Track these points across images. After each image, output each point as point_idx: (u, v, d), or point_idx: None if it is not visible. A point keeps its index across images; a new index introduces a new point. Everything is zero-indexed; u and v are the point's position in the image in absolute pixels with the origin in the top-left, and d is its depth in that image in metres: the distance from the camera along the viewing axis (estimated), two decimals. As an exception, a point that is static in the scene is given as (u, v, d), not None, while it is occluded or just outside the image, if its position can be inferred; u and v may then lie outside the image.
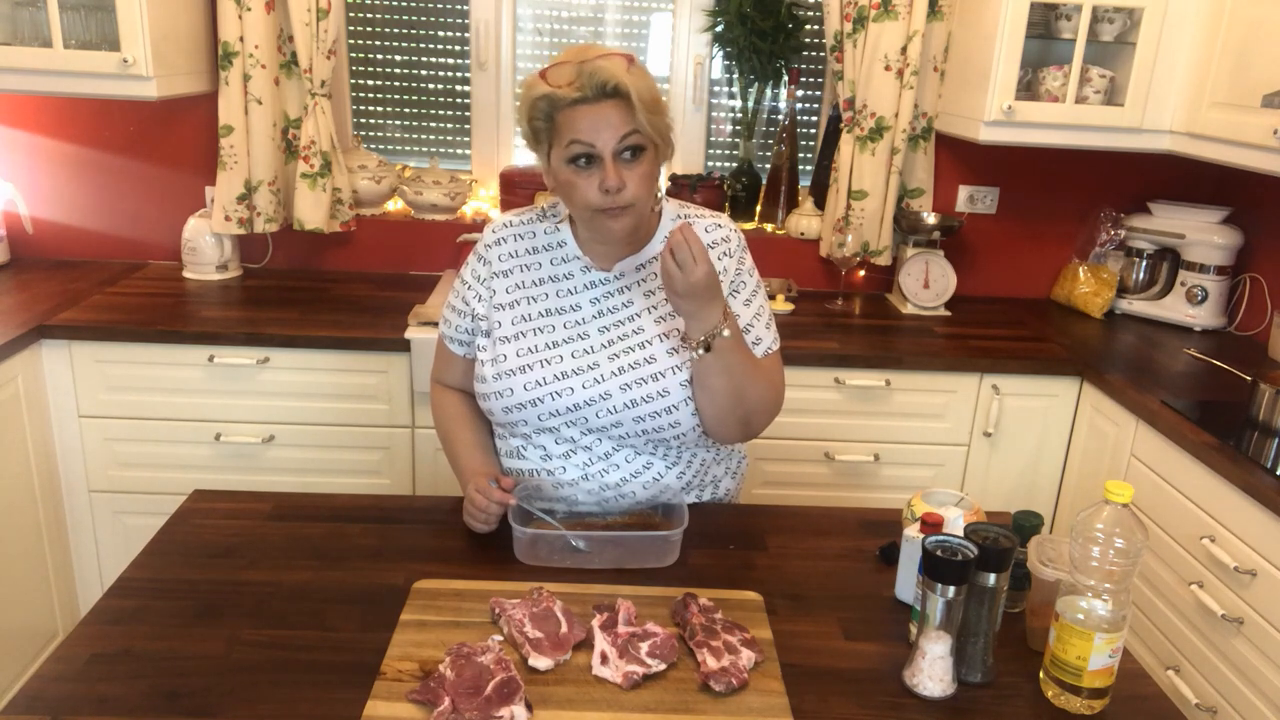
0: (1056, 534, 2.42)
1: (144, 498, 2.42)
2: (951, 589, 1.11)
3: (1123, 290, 2.83)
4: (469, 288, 1.53)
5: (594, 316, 1.48)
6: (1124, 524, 1.09)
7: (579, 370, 1.45)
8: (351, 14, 2.83)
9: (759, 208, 2.94)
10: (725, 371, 1.39)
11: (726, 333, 1.35)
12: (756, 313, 1.51)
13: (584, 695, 1.11)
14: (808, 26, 2.84)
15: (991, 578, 1.14)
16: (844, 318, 2.71)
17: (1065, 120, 2.49)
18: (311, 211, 2.69)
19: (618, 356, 1.45)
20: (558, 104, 1.32)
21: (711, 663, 1.14)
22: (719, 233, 1.51)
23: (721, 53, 2.85)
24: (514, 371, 1.45)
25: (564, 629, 1.19)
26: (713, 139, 2.98)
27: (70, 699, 1.08)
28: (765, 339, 1.52)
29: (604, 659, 1.15)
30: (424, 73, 2.90)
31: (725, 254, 1.50)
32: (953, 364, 2.41)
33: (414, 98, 2.92)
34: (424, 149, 2.98)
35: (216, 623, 1.22)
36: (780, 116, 2.91)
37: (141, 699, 1.09)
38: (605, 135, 1.32)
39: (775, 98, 2.94)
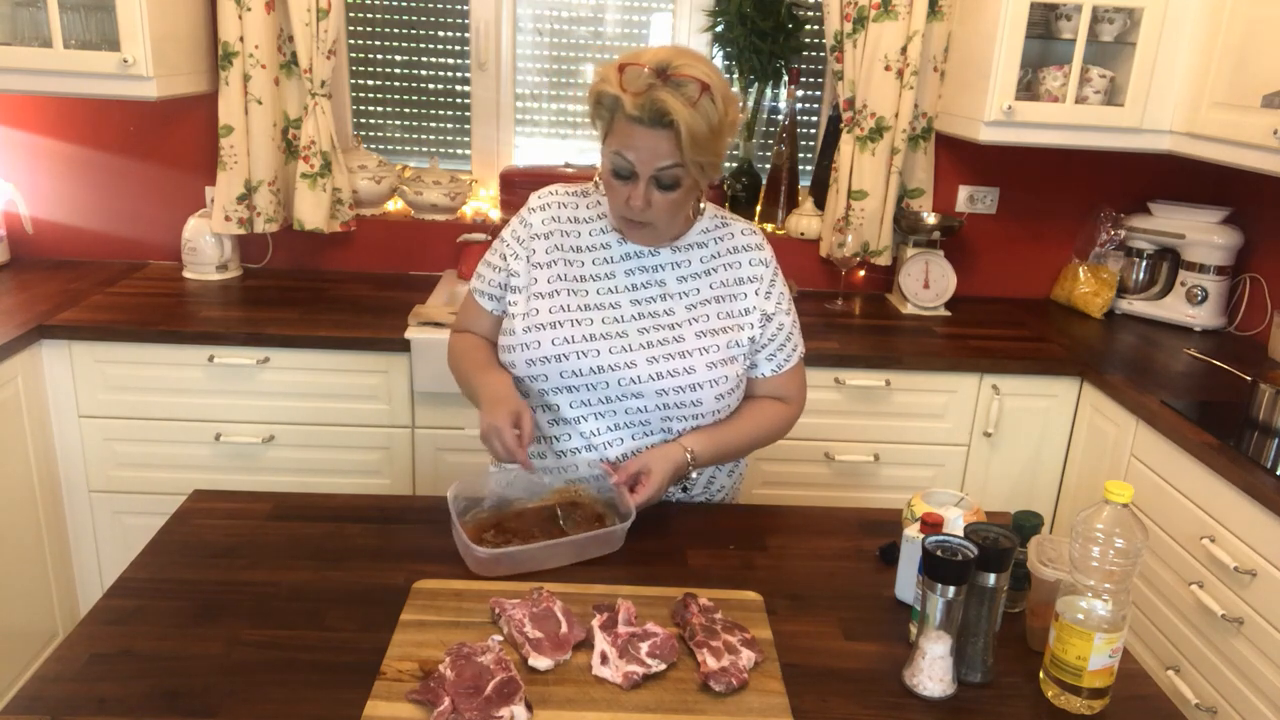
0: (1056, 534, 2.42)
1: (144, 498, 2.42)
2: (951, 589, 1.11)
3: (1123, 290, 2.83)
4: (507, 245, 1.57)
5: (628, 289, 1.52)
6: (1124, 524, 1.09)
7: (607, 335, 1.48)
8: (351, 14, 2.83)
9: (759, 208, 2.94)
10: (726, 457, 1.57)
11: (695, 475, 1.54)
12: (794, 321, 1.59)
13: (584, 695, 1.11)
14: (808, 26, 2.84)
15: (991, 578, 1.14)
16: (844, 318, 2.71)
17: (1065, 120, 2.49)
18: (311, 211, 2.69)
19: (647, 331, 1.49)
20: (618, 109, 1.36)
21: (711, 663, 1.14)
22: (755, 238, 1.57)
23: (721, 53, 2.85)
24: (544, 326, 1.48)
25: (564, 629, 1.19)
26: (713, 139, 2.98)
27: (70, 699, 1.08)
28: (798, 347, 1.61)
29: (604, 659, 1.15)
30: (424, 73, 2.90)
31: (763, 262, 1.55)
32: (953, 364, 2.41)
33: (414, 98, 2.92)
34: (424, 149, 2.98)
35: (216, 623, 1.22)
36: (780, 116, 2.91)
37: (141, 699, 1.09)
38: (647, 160, 1.37)
39: (775, 98, 2.94)
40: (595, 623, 1.21)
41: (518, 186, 2.68)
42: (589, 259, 1.53)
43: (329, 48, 2.57)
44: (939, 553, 1.12)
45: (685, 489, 1.59)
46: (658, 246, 1.53)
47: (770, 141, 2.96)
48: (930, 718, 1.12)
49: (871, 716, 1.12)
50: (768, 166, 2.94)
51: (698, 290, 1.52)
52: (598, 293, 1.51)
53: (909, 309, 2.76)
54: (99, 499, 2.43)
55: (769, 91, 2.92)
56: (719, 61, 2.88)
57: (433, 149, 2.97)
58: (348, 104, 2.90)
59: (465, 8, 2.82)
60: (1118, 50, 2.54)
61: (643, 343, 1.48)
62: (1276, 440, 1.94)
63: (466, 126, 2.94)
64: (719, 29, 2.80)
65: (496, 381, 1.49)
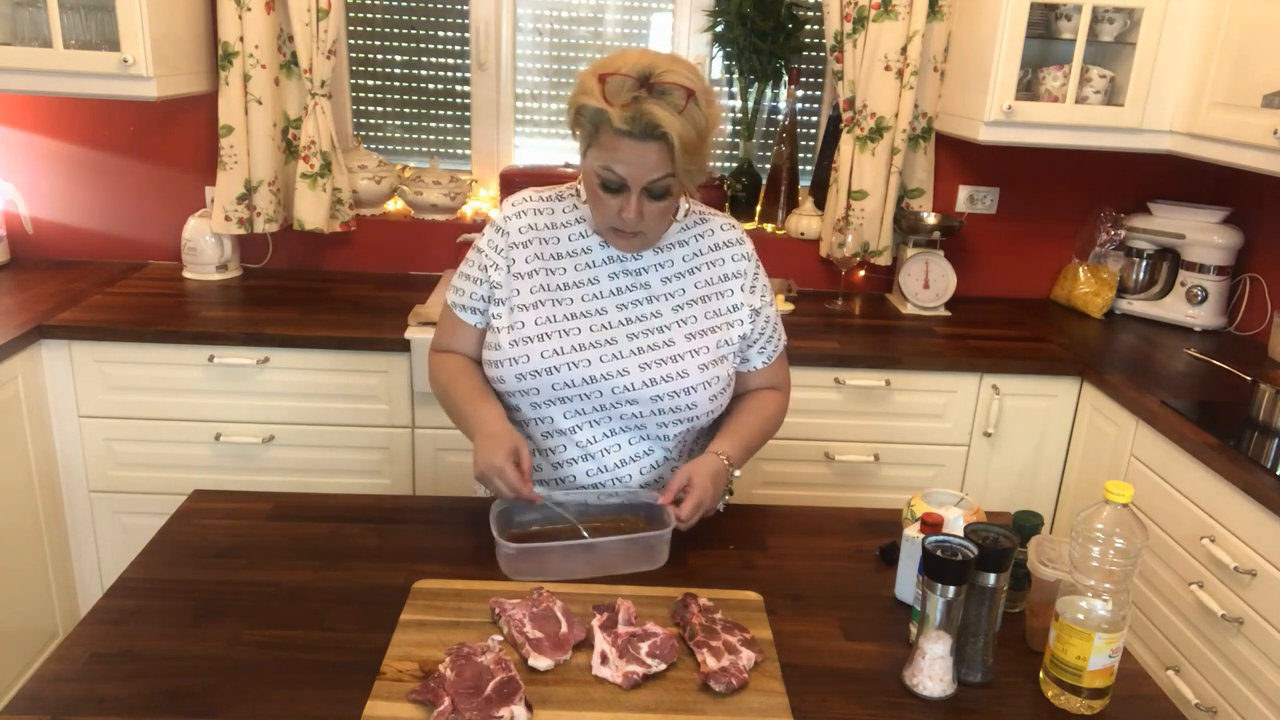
0: (1056, 534, 2.42)
1: (144, 498, 2.42)
2: (951, 589, 1.11)
3: (1123, 290, 2.83)
4: (485, 255, 1.52)
5: (612, 293, 1.49)
6: (1124, 524, 1.09)
7: (597, 344, 1.46)
8: (351, 14, 2.83)
9: (759, 208, 2.94)
10: (751, 452, 1.54)
11: (737, 473, 1.48)
12: (776, 310, 1.58)
13: (584, 695, 1.11)
14: (808, 26, 2.84)
15: (991, 578, 1.14)
16: (844, 318, 2.71)
17: (1065, 120, 2.49)
18: (311, 211, 2.69)
19: (636, 337, 1.47)
20: (604, 121, 1.32)
21: (711, 663, 1.14)
22: (734, 233, 1.55)
23: (721, 53, 2.85)
24: (531, 339, 1.45)
25: (564, 629, 1.19)
26: (713, 139, 2.98)
27: (70, 699, 1.08)
28: (783, 335, 1.61)
29: (604, 659, 1.15)
30: (424, 73, 2.90)
31: (744, 256, 1.54)
32: (953, 364, 2.41)
33: (414, 98, 2.92)
34: (424, 149, 2.98)
35: (216, 623, 1.22)
36: (780, 116, 2.91)
37: (141, 699, 1.09)
38: (639, 174, 1.34)
39: (775, 98, 2.94)
40: (595, 623, 1.21)
41: (518, 186, 2.64)
42: (570, 265, 1.50)
43: (329, 48, 2.57)
44: (939, 553, 1.12)
45: (730, 492, 1.56)
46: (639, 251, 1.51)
47: (770, 141, 2.96)
48: (930, 718, 1.12)
49: (871, 716, 1.12)
50: (768, 166, 2.94)
51: (683, 290, 1.50)
52: (582, 299, 1.48)
53: (909, 309, 2.76)
54: (99, 499, 2.43)
55: (769, 91, 2.92)
56: (719, 61, 2.88)
57: (433, 149, 2.97)
58: (348, 104, 2.90)
59: (465, 8, 2.82)
60: (1118, 50, 2.54)
61: (633, 348, 1.46)
62: (1276, 440, 1.94)
63: (466, 126, 2.94)
64: (719, 29, 2.80)
65: (489, 416, 1.43)
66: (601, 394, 1.46)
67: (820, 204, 2.86)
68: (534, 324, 1.46)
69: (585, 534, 1.38)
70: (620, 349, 1.46)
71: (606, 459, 1.50)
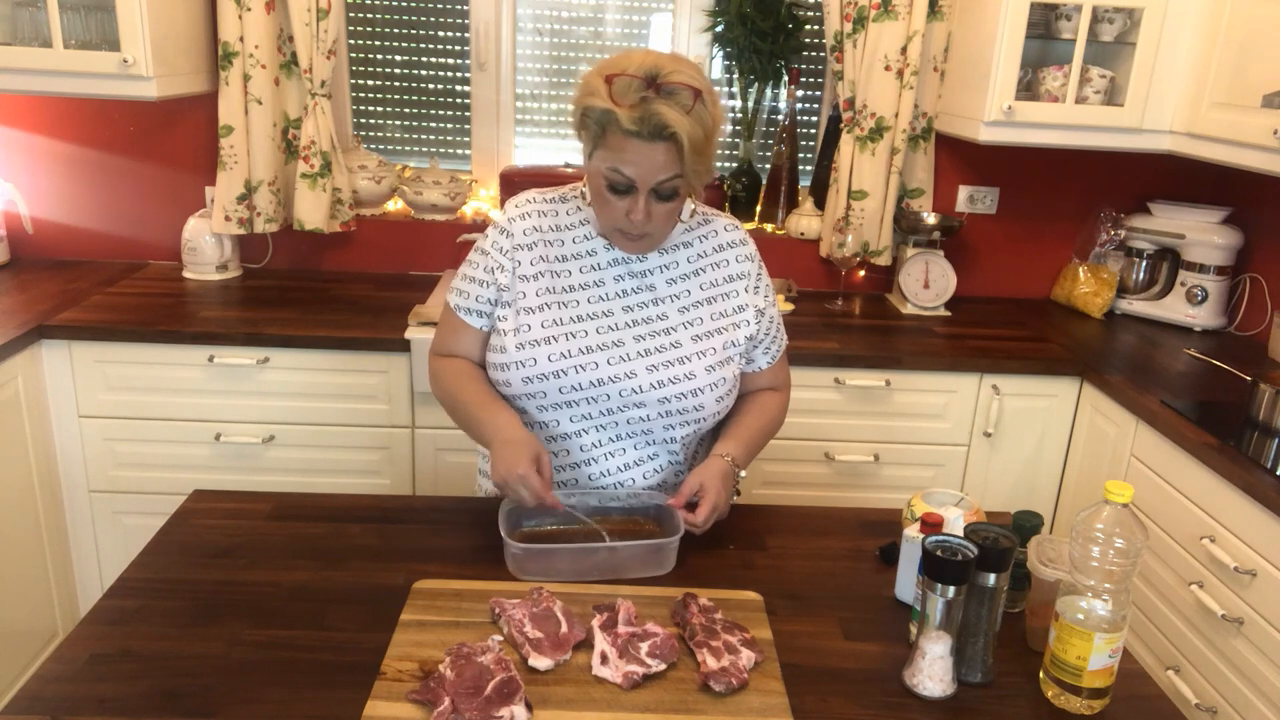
0: (1056, 534, 2.42)
1: (144, 498, 2.42)
2: (951, 589, 1.11)
3: (1123, 290, 2.83)
4: (490, 258, 1.50)
5: (618, 295, 1.49)
6: (1124, 524, 1.09)
7: (604, 346, 1.45)
8: (351, 14, 2.83)
9: (759, 208, 2.94)
10: (754, 453, 1.55)
11: (743, 474, 1.49)
12: (777, 315, 1.58)
13: (584, 695, 1.11)
14: (808, 26, 2.84)
15: (991, 578, 1.14)
16: (844, 318, 2.71)
17: (1065, 120, 2.49)
18: (311, 211, 2.69)
19: (643, 339, 1.47)
20: (611, 122, 1.31)
21: (711, 663, 1.14)
22: (738, 234, 1.55)
23: (721, 53, 2.85)
24: (538, 342, 1.45)
25: (564, 629, 1.19)
26: (713, 139, 2.98)
27: (70, 699, 1.08)
28: (785, 334, 1.61)
29: (604, 659, 1.15)
30: (424, 73, 2.90)
31: (747, 257, 1.54)
32: (953, 364, 2.41)
33: (414, 98, 2.92)
34: (424, 149, 2.98)
35: (216, 623, 1.22)
36: (780, 116, 2.91)
37: (141, 699, 1.09)
38: (647, 174, 1.34)
39: (775, 98, 2.94)
40: (595, 623, 1.21)
41: (518, 186, 2.65)
42: (575, 267, 1.49)
43: (329, 48, 2.57)
44: (939, 553, 1.12)
45: (738, 493, 1.57)
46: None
47: (770, 141, 2.96)
48: (930, 718, 1.12)
49: (871, 716, 1.12)
50: (768, 166, 2.94)
51: (689, 292, 1.50)
52: (588, 302, 1.48)
53: (909, 309, 2.76)
54: (99, 499, 2.43)
55: (769, 91, 2.92)
56: (719, 61, 2.88)
57: (433, 149, 2.97)
58: (348, 104, 2.90)
59: (465, 8, 2.82)
60: (1118, 50, 2.54)
61: (640, 350, 1.46)
62: (1276, 440, 1.94)
63: (466, 126, 2.94)
64: (719, 29, 2.80)
65: (505, 422, 1.41)
66: (609, 397, 1.45)
67: (820, 204, 2.86)
68: (540, 326, 1.46)
69: (606, 538, 1.38)
70: (627, 351, 1.45)
71: (610, 463, 1.49)
